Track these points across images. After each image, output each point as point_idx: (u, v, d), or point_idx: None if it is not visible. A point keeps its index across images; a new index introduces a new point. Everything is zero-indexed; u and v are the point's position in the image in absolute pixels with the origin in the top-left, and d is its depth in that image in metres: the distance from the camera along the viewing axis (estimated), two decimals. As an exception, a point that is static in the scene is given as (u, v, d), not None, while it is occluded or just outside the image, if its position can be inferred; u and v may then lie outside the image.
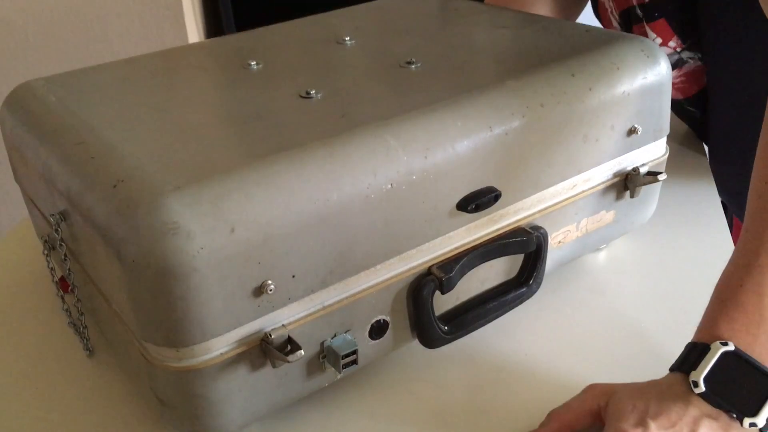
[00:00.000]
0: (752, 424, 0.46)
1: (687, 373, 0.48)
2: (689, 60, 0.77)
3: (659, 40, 0.76)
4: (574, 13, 0.92)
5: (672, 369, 0.50)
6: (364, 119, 0.50)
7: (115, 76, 0.62)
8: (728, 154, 0.80)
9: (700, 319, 0.51)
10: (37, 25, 1.56)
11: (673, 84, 0.79)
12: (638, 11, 0.77)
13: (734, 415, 0.46)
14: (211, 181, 0.44)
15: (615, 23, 0.83)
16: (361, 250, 0.49)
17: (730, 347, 0.47)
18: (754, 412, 0.46)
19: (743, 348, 0.47)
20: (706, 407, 0.47)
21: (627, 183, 0.64)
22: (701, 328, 0.50)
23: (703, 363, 0.47)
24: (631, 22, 0.79)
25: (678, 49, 0.76)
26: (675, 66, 0.78)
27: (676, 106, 0.84)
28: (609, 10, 0.82)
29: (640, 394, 0.49)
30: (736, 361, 0.47)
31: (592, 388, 0.52)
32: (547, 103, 0.55)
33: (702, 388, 0.47)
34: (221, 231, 0.42)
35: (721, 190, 0.83)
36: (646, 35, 0.77)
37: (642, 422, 0.46)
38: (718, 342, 0.48)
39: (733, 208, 0.87)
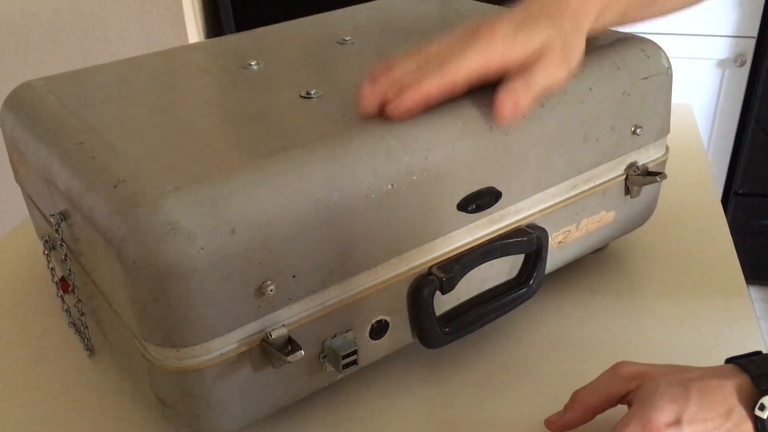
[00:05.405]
0: None
1: (758, 388, 0.40)
2: None
3: None
4: None
5: (732, 362, 0.43)
6: (365, 119, 0.50)
7: (115, 76, 0.62)
8: None
9: None
10: (37, 25, 1.56)
11: None
12: None
13: None
14: (211, 182, 0.44)
15: None
16: (362, 250, 0.49)
17: None
18: None
19: None
20: None
21: (627, 183, 0.64)
22: None
23: None
24: None
25: None
26: None
27: None
28: None
29: (683, 386, 0.42)
30: None
31: (621, 367, 0.46)
32: (547, 103, 0.55)
33: None
34: (221, 231, 0.42)
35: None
36: None
37: (676, 423, 0.41)
38: None
39: None
